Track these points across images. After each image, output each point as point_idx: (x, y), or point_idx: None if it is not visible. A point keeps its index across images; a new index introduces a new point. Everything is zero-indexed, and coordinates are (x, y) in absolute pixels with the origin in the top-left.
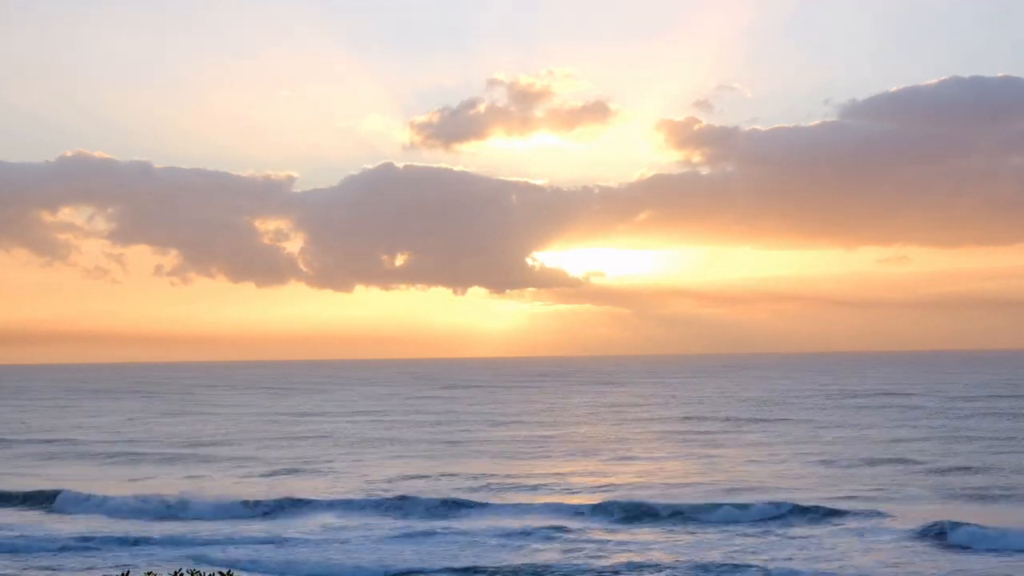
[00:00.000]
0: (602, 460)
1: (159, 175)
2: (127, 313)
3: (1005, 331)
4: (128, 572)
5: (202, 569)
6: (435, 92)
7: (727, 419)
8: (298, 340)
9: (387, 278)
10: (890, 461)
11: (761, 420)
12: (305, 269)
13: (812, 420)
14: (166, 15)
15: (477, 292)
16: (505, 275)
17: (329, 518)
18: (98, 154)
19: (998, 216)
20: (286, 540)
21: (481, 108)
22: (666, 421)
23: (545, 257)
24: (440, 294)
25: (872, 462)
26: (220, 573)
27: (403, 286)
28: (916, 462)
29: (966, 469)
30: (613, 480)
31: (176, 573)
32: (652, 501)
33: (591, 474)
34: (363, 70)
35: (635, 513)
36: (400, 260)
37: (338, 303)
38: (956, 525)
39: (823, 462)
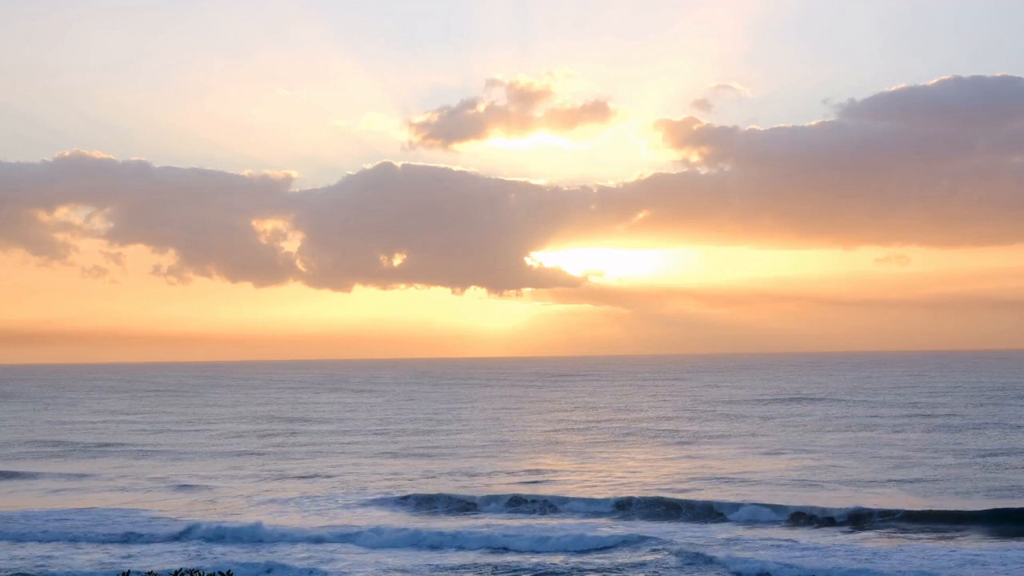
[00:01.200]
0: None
1: (157, 175)
2: (125, 313)
3: (1004, 332)
4: (128, 572)
5: (201, 570)
6: (434, 92)
7: (606, 427)
8: (297, 340)
9: (386, 277)
10: (714, 478)
11: (650, 429)
12: (303, 269)
13: (696, 430)
14: (164, 15)
15: (476, 292)
16: (504, 275)
17: None
18: (96, 154)
19: (997, 216)
20: None
21: (480, 108)
22: (554, 423)
23: (544, 257)
24: (439, 294)
25: (692, 479)
26: (220, 573)
27: (402, 286)
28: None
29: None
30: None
31: (176, 573)
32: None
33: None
34: (362, 69)
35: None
36: (399, 260)
37: (337, 303)
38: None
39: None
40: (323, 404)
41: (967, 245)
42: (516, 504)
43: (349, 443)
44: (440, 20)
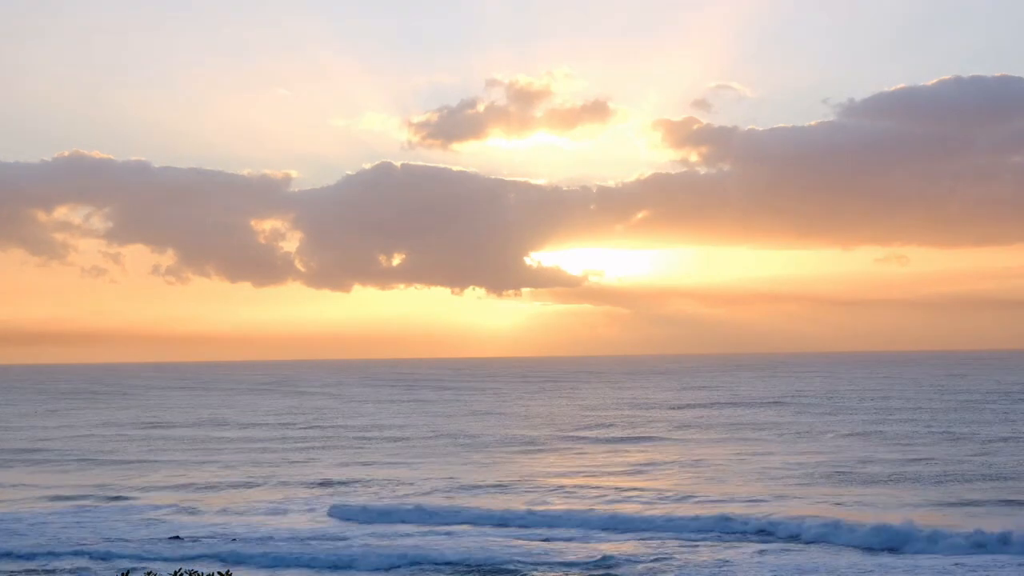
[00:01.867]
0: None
1: (156, 174)
2: (124, 313)
3: (1004, 332)
4: (128, 572)
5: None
6: (434, 91)
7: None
8: (296, 340)
9: (385, 277)
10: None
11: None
12: (302, 269)
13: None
14: (163, 14)
15: (475, 292)
16: (503, 275)
17: None
18: (95, 154)
19: (996, 216)
20: None
21: (480, 107)
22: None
23: (543, 257)
24: (438, 294)
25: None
26: (219, 573)
27: (401, 286)
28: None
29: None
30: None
31: (176, 573)
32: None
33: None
34: (361, 69)
35: None
36: (398, 259)
37: (336, 303)
38: None
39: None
40: (274, 407)
41: (967, 245)
42: (427, 514)
43: (284, 449)
44: (440, 20)
